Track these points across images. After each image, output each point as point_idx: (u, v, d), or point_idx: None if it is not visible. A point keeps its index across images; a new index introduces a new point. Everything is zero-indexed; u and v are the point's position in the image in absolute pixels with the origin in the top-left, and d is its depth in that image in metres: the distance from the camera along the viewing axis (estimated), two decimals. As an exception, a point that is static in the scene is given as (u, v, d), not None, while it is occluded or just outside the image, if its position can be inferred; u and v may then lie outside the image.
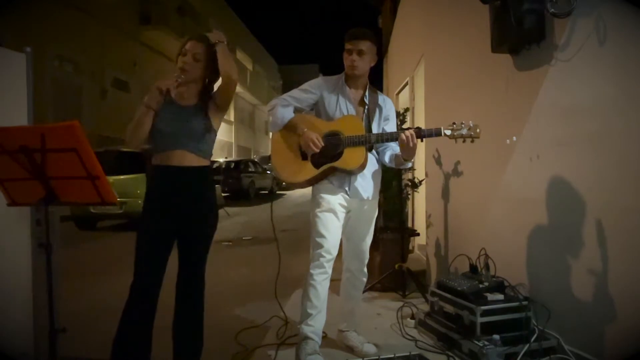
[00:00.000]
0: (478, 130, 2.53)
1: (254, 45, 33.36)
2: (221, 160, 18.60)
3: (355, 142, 2.60)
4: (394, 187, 4.54)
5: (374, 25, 11.08)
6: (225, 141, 26.75)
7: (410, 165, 2.84)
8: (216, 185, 11.10)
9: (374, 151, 2.79)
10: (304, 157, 2.70)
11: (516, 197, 3.00)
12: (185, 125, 2.31)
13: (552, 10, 2.43)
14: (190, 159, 2.32)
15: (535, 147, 2.78)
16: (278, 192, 18.55)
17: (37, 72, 2.76)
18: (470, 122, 2.53)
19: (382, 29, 10.52)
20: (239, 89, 27.44)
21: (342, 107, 2.72)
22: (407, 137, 2.49)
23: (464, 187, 3.87)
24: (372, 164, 2.76)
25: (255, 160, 20.36)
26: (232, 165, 17.21)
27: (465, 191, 3.86)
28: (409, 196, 5.26)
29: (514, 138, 2.97)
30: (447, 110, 4.20)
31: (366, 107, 2.76)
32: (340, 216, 2.71)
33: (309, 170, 2.68)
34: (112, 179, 1.89)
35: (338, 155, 2.63)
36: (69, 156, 1.84)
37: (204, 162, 2.39)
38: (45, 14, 12.38)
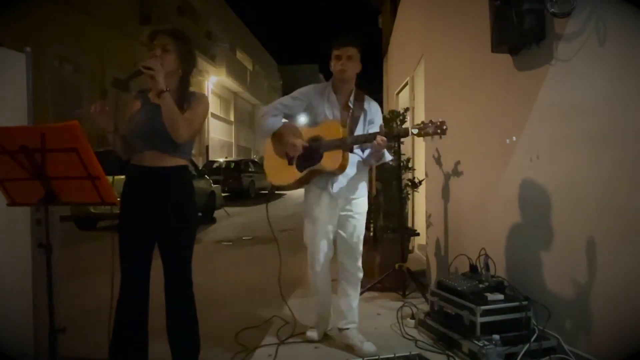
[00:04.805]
0: (445, 127, 2.62)
1: (254, 45, 33.33)
2: (221, 160, 18.58)
3: (333, 145, 2.78)
4: (394, 187, 4.54)
5: (374, 25, 11.06)
6: (225, 141, 26.74)
7: (390, 158, 3.01)
8: (215, 185, 11.24)
9: (359, 151, 2.93)
10: (290, 162, 2.91)
11: (516, 197, 3.00)
12: (158, 125, 2.23)
13: (552, 10, 2.43)
14: (165, 160, 2.26)
15: (535, 147, 2.78)
16: (277, 192, 18.52)
17: (37, 72, 2.76)
18: (439, 119, 2.65)
19: (382, 29, 10.50)
20: (239, 88, 27.55)
21: (328, 113, 2.89)
22: (379, 143, 2.68)
23: (463, 187, 3.87)
24: (355, 165, 2.91)
25: (255, 160, 20.34)
26: (232, 165, 17.19)
27: (465, 191, 3.86)
28: (409, 196, 5.25)
29: (514, 138, 2.98)
30: (447, 110, 4.20)
31: (350, 111, 2.91)
32: (328, 217, 2.89)
33: (294, 174, 2.89)
34: (112, 179, 1.90)
35: (319, 159, 2.81)
36: (69, 156, 1.84)
37: (180, 162, 2.31)
38: (45, 14, 12.35)
